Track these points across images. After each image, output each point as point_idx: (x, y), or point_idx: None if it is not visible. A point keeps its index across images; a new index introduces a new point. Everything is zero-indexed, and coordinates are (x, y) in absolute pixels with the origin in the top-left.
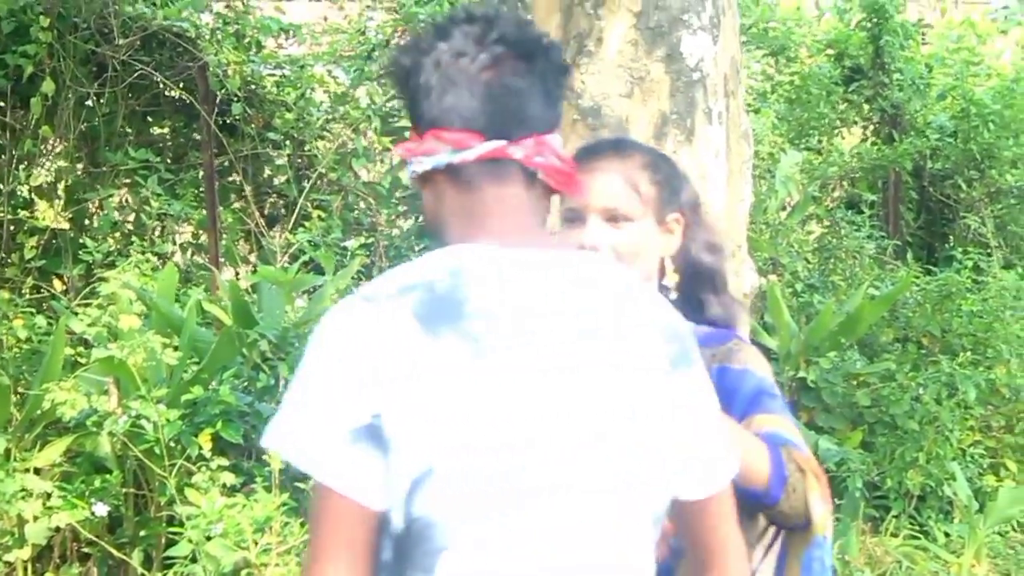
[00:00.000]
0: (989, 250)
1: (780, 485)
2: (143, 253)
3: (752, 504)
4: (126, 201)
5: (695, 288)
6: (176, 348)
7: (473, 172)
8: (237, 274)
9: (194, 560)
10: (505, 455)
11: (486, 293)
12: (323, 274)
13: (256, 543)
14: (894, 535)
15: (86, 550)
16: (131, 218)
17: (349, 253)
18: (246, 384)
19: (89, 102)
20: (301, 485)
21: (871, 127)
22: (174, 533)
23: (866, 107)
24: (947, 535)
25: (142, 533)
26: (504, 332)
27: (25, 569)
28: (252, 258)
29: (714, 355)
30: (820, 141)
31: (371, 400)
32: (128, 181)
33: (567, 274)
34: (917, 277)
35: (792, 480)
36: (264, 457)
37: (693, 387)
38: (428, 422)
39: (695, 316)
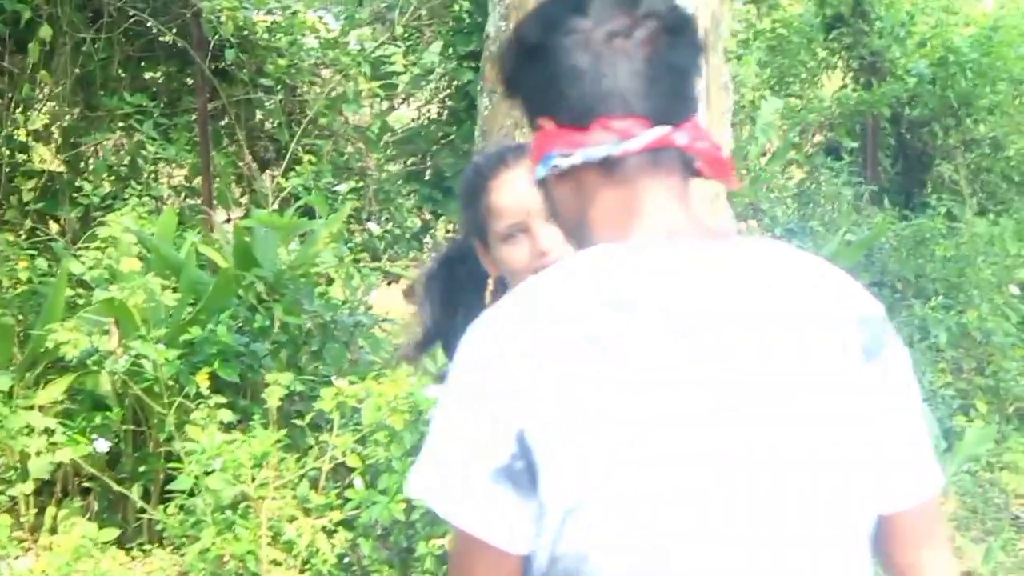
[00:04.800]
0: (962, 197)
1: None
2: (139, 196)
3: None
4: (121, 145)
5: None
6: (175, 290)
7: (633, 163)
8: (229, 217)
9: (193, 494)
10: (671, 481)
11: (647, 298)
12: (314, 218)
13: (254, 478)
14: None
15: (87, 485)
16: (126, 161)
17: (340, 197)
18: (242, 325)
19: (85, 47)
20: (297, 422)
21: (851, 74)
22: (172, 468)
23: (846, 54)
24: None
25: (141, 469)
26: (671, 342)
27: (28, 503)
28: (244, 201)
29: None
30: (801, 88)
31: (514, 418)
32: (123, 125)
33: (741, 268)
34: (892, 223)
35: None
36: (261, 396)
37: (884, 379)
38: (581, 443)
39: None
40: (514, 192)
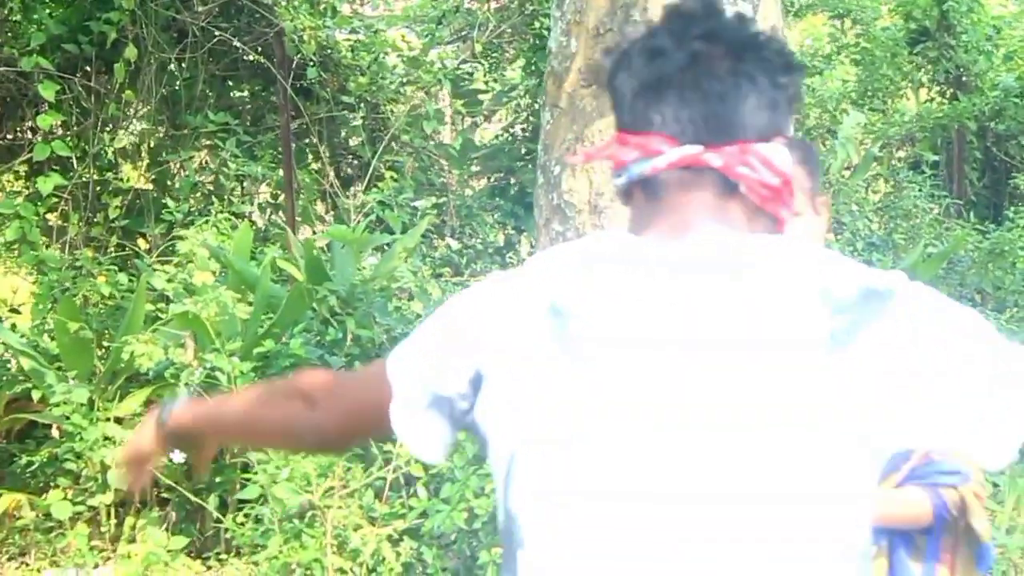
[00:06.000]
0: None
1: (941, 527)
2: (222, 213)
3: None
4: (206, 163)
5: None
6: (250, 303)
7: (664, 181)
8: (314, 232)
9: (263, 503)
10: (596, 449)
11: (606, 287)
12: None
13: (320, 487)
14: None
15: (165, 495)
16: (211, 179)
17: (419, 212)
18: (316, 338)
19: (170, 67)
20: None
21: (936, 88)
22: (246, 479)
23: (931, 68)
24: (996, 485)
25: (217, 479)
26: (638, 328)
27: (108, 513)
28: (328, 218)
29: None
30: (884, 102)
31: (473, 362)
32: (208, 143)
33: (707, 264)
34: (971, 235)
35: (952, 521)
36: None
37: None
38: (516, 403)
39: None
40: None
